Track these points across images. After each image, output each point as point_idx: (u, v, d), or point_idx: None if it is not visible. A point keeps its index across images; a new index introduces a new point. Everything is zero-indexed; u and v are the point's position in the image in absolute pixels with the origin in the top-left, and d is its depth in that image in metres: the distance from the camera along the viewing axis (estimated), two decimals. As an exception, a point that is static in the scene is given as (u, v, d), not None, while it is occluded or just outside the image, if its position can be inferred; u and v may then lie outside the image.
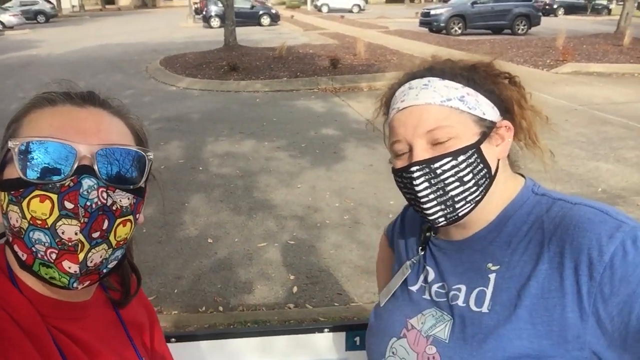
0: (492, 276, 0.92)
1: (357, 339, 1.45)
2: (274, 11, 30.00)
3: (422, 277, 1.06)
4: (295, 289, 3.79)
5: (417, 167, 0.91)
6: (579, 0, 38.15)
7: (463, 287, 0.96)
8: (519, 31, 21.07)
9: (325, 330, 1.47)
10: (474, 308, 0.92)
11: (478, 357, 0.88)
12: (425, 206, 0.93)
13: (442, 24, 21.16)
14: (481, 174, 0.91)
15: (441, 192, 0.91)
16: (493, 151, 0.94)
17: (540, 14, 22.84)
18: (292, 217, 5.00)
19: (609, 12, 36.19)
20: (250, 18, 28.44)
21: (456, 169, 0.89)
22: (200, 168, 6.43)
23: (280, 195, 5.54)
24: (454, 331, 0.93)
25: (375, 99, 1.07)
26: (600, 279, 0.79)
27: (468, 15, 21.07)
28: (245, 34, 21.25)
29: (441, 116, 0.90)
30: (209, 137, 7.74)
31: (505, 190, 0.97)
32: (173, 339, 1.39)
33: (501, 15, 21.06)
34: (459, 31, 20.96)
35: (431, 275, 1.03)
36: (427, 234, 1.08)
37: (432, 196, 0.92)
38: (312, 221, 4.91)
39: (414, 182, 0.92)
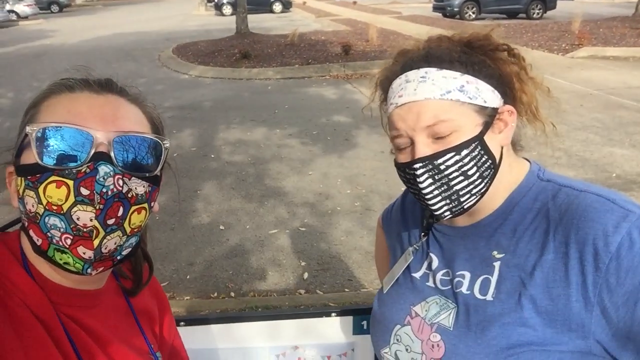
0: (497, 264, 0.92)
1: (364, 323, 1.46)
2: (286, -2, 29.83)
3: (425, 264, 1.05)
4: (306, 275, 3.82)
5: (420, 164, 0.89)
6: (597, -18, 37.30)
7: (467, 274, 0.95)
8: (534, 15, 20.70)
9: (333, 314, 1.48)
10: (478, 296, 0.92)
11: (482, 345, 0.88)
12: (430, 202, 0.92)
13: (456, 9, 20.86)
14: (485, 165, 0.90)
15: (445, 187, 0.90)
16: (496, 139, 0.92)
17: (556, -3, 22.40)
18: (303, 204, 5.02)
19: (628, -6, 35.37)
20: (262, 5, 28.30)
21: (460, 164, 0.88)
22: (212, 156, 6.46)
23: (292, 183, 5.56)
24: (458, 319, 0.93)
25: (369, 82, 1.05)
26: (606, 269, 0.78)
27: (482, 0, 20.75)
28: (257, 22, 21.17)
29: (441, 110, 0.88)
30: (220, 125, 7.77)
31: (510, 176, 0.95)
32: (182, 323, 1.41)
33: (516, -2, 20.72)
34: (473, 16, 20.66)
35: (435, 262, 1.02)
36: (430, 220, 1.07)
37: (436, 192, 0.90)
38: (324, 208, 4.92)
39: (418, 179, 0.90)
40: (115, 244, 0.73)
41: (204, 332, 1.46)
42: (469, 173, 0.89)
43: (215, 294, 3.63)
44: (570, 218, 0.84)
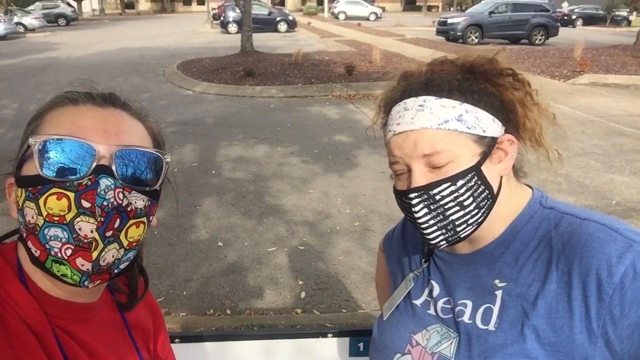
0: (499, 293, 0.90)
1: (361, 345, 1.45)
2: (291, 18, 30.17)
3: (426, 291, 1.03)
4: (303, 294, 3.79)
5: (416, 194, 0.88)
6: (598, 11, 37.85)
7: (469, 303, 0.94)
8: (537, 41, 20.95)
9: (329, 335, 1.47)
10: (480, 325, 0.90)
11: None
12: (425, 231, 0.91)
13: (459, 33, 21.11)
14: (482, 196, 0.88)
15: (441, 217, 0.89)
16: (495, 170, 0.90)
17: (559, 24, 22.69)
18: (302, 223, 5.01)
19: (629, 23, 35.80)
20: (268, 24, 28.65)
21: (456, 194, 0.87)
22: (213, 172, 6.47)
23: (292, 201, 5.56)
24: (459, 349, 0.91)
25: (373, 102, 1.05)
26: (610, 300, 0.77)
27: (485, 25, 20.99)
28: (262, 40, 21.39)
29: (438, 140, 0.87)
30: (222, 142, 7.80)
31: (510, 204, 0.94)
32: (177, 340, 1.40)
33: (519, 25, 20.96)
34: (476, 40, 20.88)
35: (436, 290, 1.01)
36: (431, 246, 1.04)
37: (432, 222, 0.89)
38: (323, 227, 4.91)
39: (413, 209, 0.90)
40: (113, 256, 0.73)
41: (198, 349, 1.44)
42: (465, 203, 0.87)
43: (211, 311, 3.60)
44: (573, 247, 0.83)
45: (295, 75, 13.12)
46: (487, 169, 0.89)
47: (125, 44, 21.72)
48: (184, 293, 3.80)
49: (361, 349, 1.45)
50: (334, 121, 9.16)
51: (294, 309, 3.63)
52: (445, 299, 0.98)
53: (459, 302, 0.95)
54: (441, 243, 0.92)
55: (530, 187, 0.99)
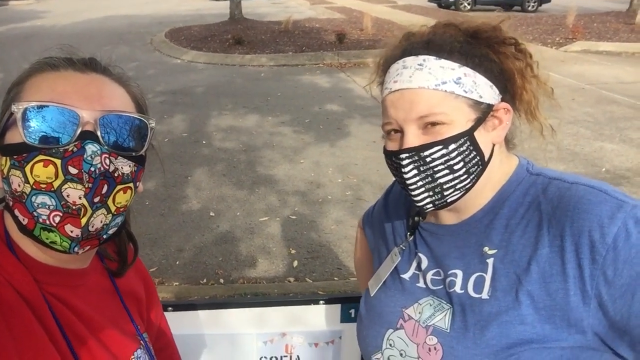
0: (490, 261, 0.90)
1: (352, 311, 1.47)
2: (280, -16, 29.53)
3: (414, 265, 1.03)
4: (295, 263, 3.82)
5: (407, 155, 0.88)
6: (592, -23, 37.34)
7: (459, 273, 0.93)
8: (529, 8, 20.70)
9: (321, 302, 1.48)
10: (473, 294, 0.90)
11: (481, 346, 0.86)
12: (413, 192, 0.91)
13: (451, 0, 20.81)
14: (473, 161, 0.88)
15: (430, 179, 0.89)
16: (488, 137, 0.90)
17: (552, -10, 22.38)
18: (294, 192, 5.02)
19: (622, -11, 35.42)
20: (257, -9, 28.07)
21: (446, 158, 0.87)
22: (204, 142, 6.43)
23: (283, 170, 5.55)
24: (454, 320, 0.91)
25: (366, 69, 1.05)
26: (603, 261, 0.77)
27: (478, -9, 20.70)
28: (251, 7, 21.00)
29: (434, 102, 0.86)
30: (212, 111, 7.72)
31: (500, 172, 0.94)
32: (170, 308, 1.41)
33: (511, -9, 20.68)
34: (468, 7, 20.62)
35: (424, 262, 1.00)
36: (416, 218, 1.05)
37: (420, 183, 0.89)
38: (315, 196, 4.92)
39: (403, 169, 0.89)
40: (101, 222, 0.73)
41: (192, 317, 1.45)
42: (455, 167, 0.87)
43: (205, 281, 3.63)
44: (563, 210, 0.83)
45: (285, 44, 12.93)
46: (480, 136, 0.89)
47: (111, 11, 21.25)
48: (177, 263, 3.82)
49: (352, 315, 1.47)
50: (325, 90, 9.07)
51: (287, 277, 3.66)
52: (435, 270, 0.98)
53: (449, 272, 0.95)
54: (427, 206, 0.92)
55: (517, 156, 0.99)
